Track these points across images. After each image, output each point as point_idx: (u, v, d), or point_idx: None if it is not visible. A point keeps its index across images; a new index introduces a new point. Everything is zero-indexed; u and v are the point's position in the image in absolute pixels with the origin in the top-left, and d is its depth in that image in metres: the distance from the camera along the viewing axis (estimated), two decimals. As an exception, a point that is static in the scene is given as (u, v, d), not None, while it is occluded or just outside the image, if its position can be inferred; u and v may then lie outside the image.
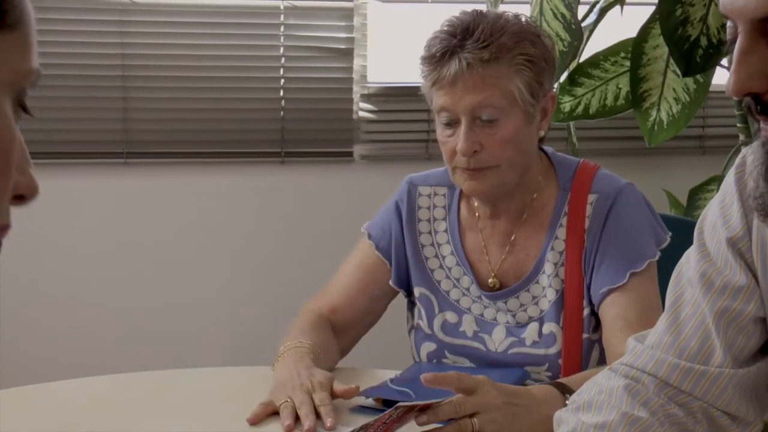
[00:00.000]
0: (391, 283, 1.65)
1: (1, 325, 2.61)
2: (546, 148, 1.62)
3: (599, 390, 1.11)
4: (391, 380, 1.48)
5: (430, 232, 1.64)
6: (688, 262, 1.12)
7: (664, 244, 1.55)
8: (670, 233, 1.56)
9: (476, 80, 1.45)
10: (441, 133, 1.53)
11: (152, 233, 2.83)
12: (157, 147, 2.81)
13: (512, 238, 1.60)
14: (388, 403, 1.37)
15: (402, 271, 1.65)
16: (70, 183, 2.75)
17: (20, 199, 0.67)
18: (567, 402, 1.29)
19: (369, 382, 1.50)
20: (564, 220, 1.56)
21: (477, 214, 1.63)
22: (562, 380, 1.39)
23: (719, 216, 1.08)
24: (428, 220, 1.64)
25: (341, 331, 1.64)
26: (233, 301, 2.89)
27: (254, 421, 1.37)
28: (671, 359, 1.08)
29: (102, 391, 1.53)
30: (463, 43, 1.46)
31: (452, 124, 1.50)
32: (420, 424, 1.25)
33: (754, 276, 1.06)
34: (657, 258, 1.53)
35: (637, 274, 1.50)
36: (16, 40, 0.63)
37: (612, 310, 1.50)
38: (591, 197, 1.55)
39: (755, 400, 1.10)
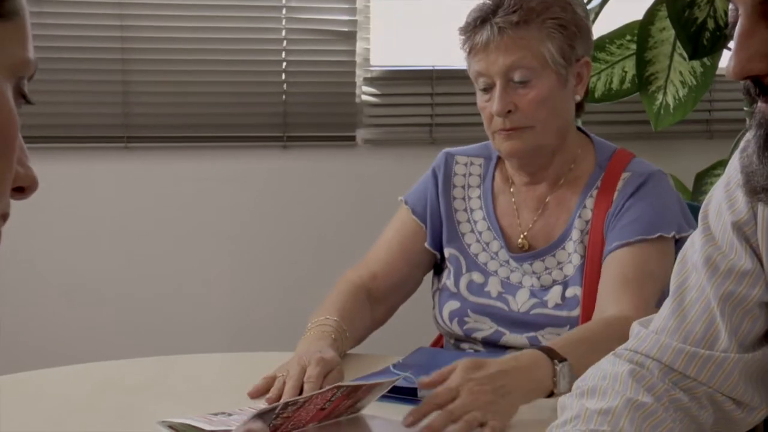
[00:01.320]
0: (426, 245, 1.69)
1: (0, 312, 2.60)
2: (586, 130, 1.68)
3: (603, 375, 1.10)
4: (394, 365, 1.49)
5: (464, 198, 1.70)
6: (693, 246, 1.11)
7: (684, 234, 1.56)
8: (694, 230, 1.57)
9: (507, 43, 1.54)
10: (480, 99, 1.60)
11: (153, 218, 2.82)
12: (158, 131, 2.80)
13: (545, 203, 1.65)
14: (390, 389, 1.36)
15: (437, 234, 1.70)
16: (70, 167, 2.74)
17: (20, 191, 0.68)
18: (556, 368, 1.33)
19: (376, 367, 1.50)
20: (595, 192, 1.61)
21: (511, 181, 1.68)
22: (549, 344, 1.40)
23: (724, 199, 1.07)
24: (463, 187, 1.71)
25: (381, 299, 1.68)
26: (235, 286, 2.88)
27: (254, 395, 1.38)
28: (676, 344, 1.08)
29: (100, 377, 1.52)
30: (495, 11, 1.55)
31: (489, 89, 1.58)
32: (407, 425, 1.25)
33: (760, 260, 1.05)
34: (671, 236, 1.55)
35: (647, 241, 1.54)
36: (13, 29, 0.65)
37: (612, 266, 1.53)
38: (624, 175, 1.61)
39: (761, 385, 1.09)
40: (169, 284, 2.84)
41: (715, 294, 1.06)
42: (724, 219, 1.06)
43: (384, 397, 1.33)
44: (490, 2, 1.56)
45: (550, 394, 1.33)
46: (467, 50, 1.58)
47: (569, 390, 1.32)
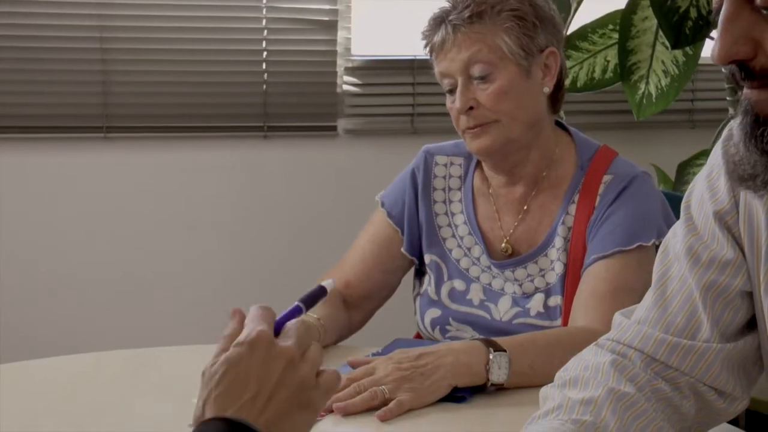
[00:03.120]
0: (403, 250, 1.67)
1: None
2: (569, 126, 1.66)
3: (585, 366, 1.09)
4: (373, 354, 1.49)
5: (444, 202, 1.67)
6: (675, 237, 1.10)
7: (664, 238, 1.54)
8: None
9: (462, 39, 1.53)
10: (447, 101, 1.59)
11: (133, 208, 2.80)
12: (138, 121, 2.78)
13: (525, 206, 1.62)
14: None
15: (414, 238, 1.68)
16: (49, 157, 2.72)
17: None
18: (490, 356, 1.34)
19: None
20: (576, 197, 1.59)
21: (490, 182, 1.66)
22: (495, 338, 1.41)
23: (706, 189, 1.07)
24: (443, 190, 1.68)
25: (355, 306, 1.67)
26: (215, 276, 2.87)
27: None
28: (658, 334, 1.07)
29: (82, 369, 1.52)
30: (450, 11, 1.55)
31: (454, 90, 1.56)
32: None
33: (741, 250, 1.04)
34: (651, 244, 1.52)
35: (624, 252, 1.52)
36: None
37: (587, 281, 1.52)
38: (606, 177, 1.58)
39: (742, 375, 1.08)
40: (149, 275, 2.83)
41: (697, 284, 1.05)
42: (706, 209, 1.06)
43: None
44: (448, 4, 1.57)
45: (486, 384, 1.35)
46: (428, 53, 1.59)
47: (506, 380, 1.34)
